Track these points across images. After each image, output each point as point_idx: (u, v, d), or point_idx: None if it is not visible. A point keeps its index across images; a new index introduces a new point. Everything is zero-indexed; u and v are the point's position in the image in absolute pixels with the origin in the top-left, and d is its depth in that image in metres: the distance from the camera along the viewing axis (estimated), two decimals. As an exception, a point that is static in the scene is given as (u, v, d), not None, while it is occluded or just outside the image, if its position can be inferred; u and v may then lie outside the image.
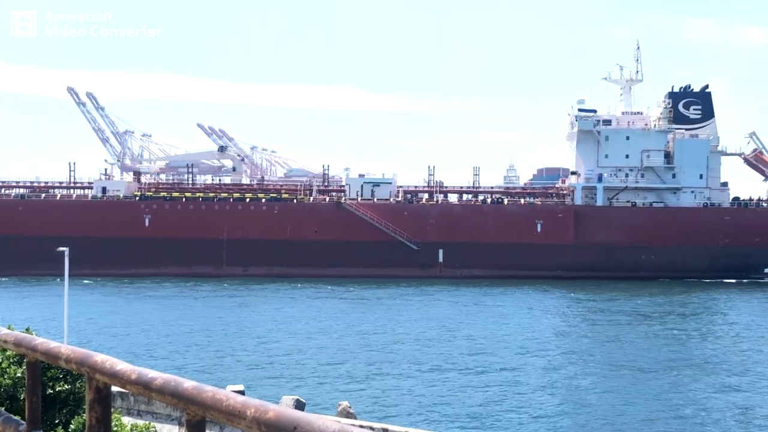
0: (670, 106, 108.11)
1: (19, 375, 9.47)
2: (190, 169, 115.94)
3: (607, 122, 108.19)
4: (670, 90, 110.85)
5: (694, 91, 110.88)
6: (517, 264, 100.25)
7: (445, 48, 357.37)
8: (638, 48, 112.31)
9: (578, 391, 41.63)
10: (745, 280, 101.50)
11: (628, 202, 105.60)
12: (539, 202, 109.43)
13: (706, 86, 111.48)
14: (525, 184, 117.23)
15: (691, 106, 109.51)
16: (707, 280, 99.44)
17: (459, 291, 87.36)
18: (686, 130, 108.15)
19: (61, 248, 36.93)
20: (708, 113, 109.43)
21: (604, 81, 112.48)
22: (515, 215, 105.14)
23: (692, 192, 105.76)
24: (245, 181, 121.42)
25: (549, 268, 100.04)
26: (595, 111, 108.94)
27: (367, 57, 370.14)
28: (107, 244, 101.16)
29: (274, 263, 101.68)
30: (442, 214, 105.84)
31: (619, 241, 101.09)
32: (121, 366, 4.68)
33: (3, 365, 9.87)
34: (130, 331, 59.17)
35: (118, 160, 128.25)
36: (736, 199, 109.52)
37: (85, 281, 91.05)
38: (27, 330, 9.37)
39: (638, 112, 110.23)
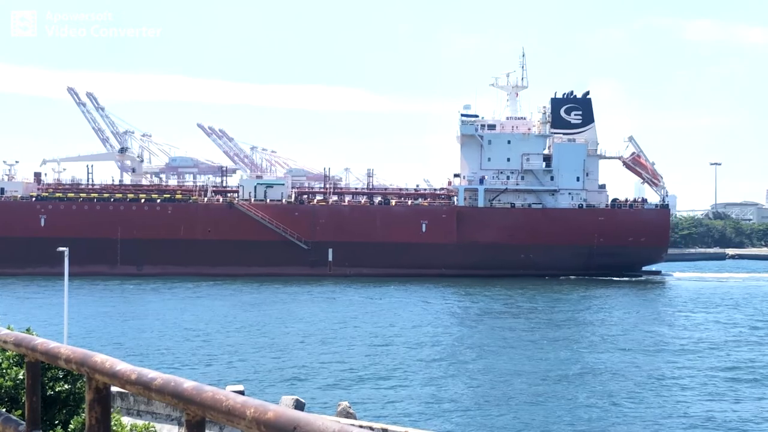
0: (550, 111, 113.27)
1: (20, 377, 9.49)
2: (91, 170, 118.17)
3: (492, 127, 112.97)
4: (553, 96, 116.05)
5: (576, 97, 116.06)
6: (404, 262, 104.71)
7: (445, 48, 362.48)
8: (524, 55, 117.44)
9: (448, 376, 44.62)
10: (621, 278, 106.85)
11: (508, 203, 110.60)
12: (426, 203, 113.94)
13: (587, 93, 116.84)
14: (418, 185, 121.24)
15: (573, 111, 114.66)
16: (584, 277, 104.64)
17: (355, 288, 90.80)
18: (567, 134, 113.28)
19: (61, 248, 36.47)
20: (588, 118, 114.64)
21: (492, 87, 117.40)
22: (401, 216, 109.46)
23: (569, 194, 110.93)
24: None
25: (433, 267, 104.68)
26: (477, 116, 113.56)
27: (367, 57, 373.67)
28: (3, 244, 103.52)
29: (168, 262, 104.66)
30: (332, 215, 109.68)
31: (499, 241, 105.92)
32: (121, 366, 4.72)
33: (3, 365, 9.92)
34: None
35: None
36: (615, 200, 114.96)
37: None
38: (28, 330, 9.41)
39: (521, 118, 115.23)
